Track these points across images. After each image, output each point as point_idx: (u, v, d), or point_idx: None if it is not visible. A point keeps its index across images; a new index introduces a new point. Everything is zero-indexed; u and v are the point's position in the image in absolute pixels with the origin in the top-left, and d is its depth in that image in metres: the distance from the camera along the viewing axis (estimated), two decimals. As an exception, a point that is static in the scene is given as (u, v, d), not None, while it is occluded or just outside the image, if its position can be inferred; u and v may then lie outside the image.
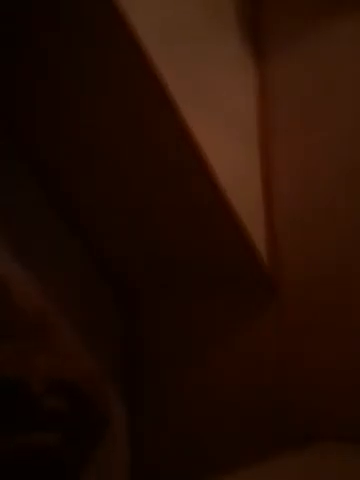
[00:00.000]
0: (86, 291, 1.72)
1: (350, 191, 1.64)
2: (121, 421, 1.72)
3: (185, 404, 1.71)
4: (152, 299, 1.78)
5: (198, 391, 1.69)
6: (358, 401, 1.54)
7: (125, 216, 1.67)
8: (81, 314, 1.66)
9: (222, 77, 1.64)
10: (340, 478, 1.25)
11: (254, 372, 1.65)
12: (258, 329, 1.66)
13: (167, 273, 1.73)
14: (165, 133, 1.48)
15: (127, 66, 1.39)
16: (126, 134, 1.52)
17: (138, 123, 1.49)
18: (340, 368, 1.58)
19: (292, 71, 1.73)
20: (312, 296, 1.64)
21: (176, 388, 1.72)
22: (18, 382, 0.99)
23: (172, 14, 1.48)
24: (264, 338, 1.65)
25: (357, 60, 1.69)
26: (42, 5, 1.33)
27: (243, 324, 1.68)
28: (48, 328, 1.12)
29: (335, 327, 1.60)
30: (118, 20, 1.30)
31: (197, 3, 1.57)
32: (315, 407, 1.59)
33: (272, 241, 1.68)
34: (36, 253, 1.58)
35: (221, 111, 1.60)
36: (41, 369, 1.01)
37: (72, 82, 1.45)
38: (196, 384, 1.70)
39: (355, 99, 1.68)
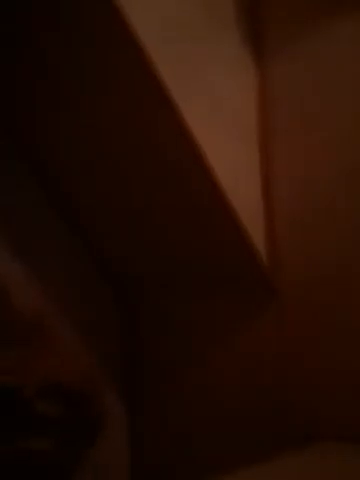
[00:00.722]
0: (86, 291, 1.72)
1: (350, 191, 1.64)
2: (121, 421, 1.72)
3: (185, 404, 1.71)
4: (152, 299, 1.78)
5: (198, 391, 1.69)
6: (358, 401, 1.54)
7: (125, 216, 1.67)
8: (81, 314, 1.66)
9: (222, 77, 1.64)
10: (340, 478, 1.25)
11: (254, 372, 1.65)
12: (258, 329, 1.66)
13: (167, 273, 1.73)
14: (165, 133, 1.48)
15: (127, 66, 1.39)
16: (126, 134, 1.52)
17: (138, 123, 1.49)
18: (340, 368, 1.58)
19: (292, 71, 1.73)
20: (312, 296, 1.64)
21: (176, 388, 1.72)
22: (14, 387, 0.99)
23: (172, 14, 1.48)
24: (264, 338, 1.65)
25: (357, 60, 1.68)
26: (42, 5, 1.33)
27: (243, 324, 1.68)
28: (46, 330, 1.12)
29: (335, 327, 1.60)
30: (118, 20, 1.30)
31: (197, 3, 1.57)
32: (315, 407, 1.59)
33: (272, 241, 1.68)
34: (36, 253, 1.58)
35: (221, 111, 1.60)
36: (38, 374, 1.02)
37: (72, 82, 1.45)
38: (196, 384, 1.70)
39: (355, 99, 1.67)
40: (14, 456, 0.99)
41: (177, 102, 1.42)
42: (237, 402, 1.65)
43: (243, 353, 1.67)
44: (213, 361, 1.69)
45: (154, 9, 1.41)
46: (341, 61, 1.69)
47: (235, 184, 1.59)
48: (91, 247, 1.73)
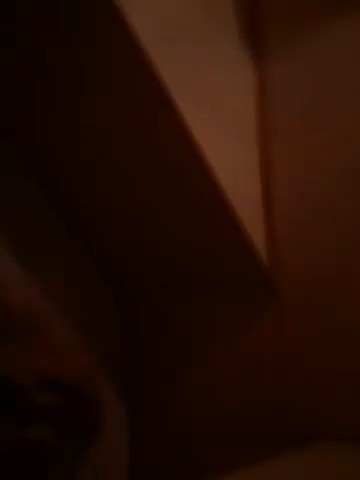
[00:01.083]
0: (86, 291, 1.72)
1: (350, 191, 1.64)
2: (121, 421, 1.72)
3: (185, 404, 1.71)
4: (152, 299, 1.78)
5: (198, 391, 1.69)
6: (358, 401, 1.54)
7: (125, 216, 1.67)
8: (81, 314, 1.66)
9: (222, 77, 1.64)
10: (340, 478, 1.25)
11: (254, 372, 1.64)
12: (258, 329, 1.66)
13: (167, 273, 1.73)
14: (165, 133, 1.48)
15: (127, 66, 1.39)
16: (126, 134, 1.52)
17: (138, 123, 1.49)
18: (340, 368, 1.58)
19: (292, 71, 1.73)
20: (312, 296, 1.64)
21: (176, 388, 1.72)
22: (9, 380, 1.00)
23: (172, 14, 1.48)
24: (264, 338, 1.65)
25: (357, 60, 1.69)
26: (42, 5, 1.33)
27: (243, 324, 1.68)
28: (45, 331, 1.12)
29: (335, 327, 1.60)
30: (118, 20, 1.30)
31: (197, 3, 1.57)
32: (315, 407, 1.59)
33: (272, 241, 1.68)
34: (36, 253, 1.58)
35: (221, 111, 1.60)
36: (37, 368, 1.02)
37: (72, 82, 1.45)
38: (196, 384, 1.70)
39: (355, 99, 1.68)
40: (13, 446, 1.00)
41: (177, 102, 1.42)
42: (237, 402, 1.65)
43: (243, 353, 1.67)
44: (213, 361, 1.69)
45: (154, 9, 1.41)
46: (341, 61, 1.69)
47: (235, 184, 1.59)
48: (91, 247, 1.72)
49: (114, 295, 1.79)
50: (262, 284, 1.67)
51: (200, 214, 1.61)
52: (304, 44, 1.72)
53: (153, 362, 1.76)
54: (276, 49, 1.76)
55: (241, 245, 1.62)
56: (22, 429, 1.00)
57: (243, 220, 1.59)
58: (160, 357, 1.75)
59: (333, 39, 1.70)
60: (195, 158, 1.50)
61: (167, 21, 1.46)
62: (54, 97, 1.48)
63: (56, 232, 1.66)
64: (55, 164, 1.60)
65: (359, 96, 1.67)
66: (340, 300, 1.61)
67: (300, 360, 1.61)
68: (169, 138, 1.49)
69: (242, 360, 1.66)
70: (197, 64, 1.55)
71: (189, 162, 1.51)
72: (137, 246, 1.72)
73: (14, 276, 1.46)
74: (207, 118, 1.54)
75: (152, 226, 1.67)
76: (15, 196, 1.55)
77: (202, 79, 1.56)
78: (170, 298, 1.75)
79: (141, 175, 1.58)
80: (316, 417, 1.59)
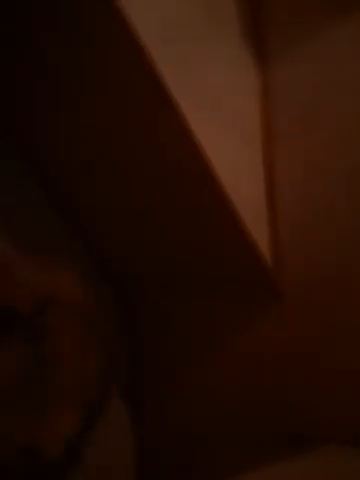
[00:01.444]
0: (86, 291, 1.72)
1: (350, 192, 1.64)
2: (121, 421, 1.72)
3: (185, 404, 1.71)
4: (152, 299, 1.78)
5: (198, 391, 1.69)
6: (358, 401, 1.54)
7: (125, 216, 1.67)
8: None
9: (223, 78, 1.64)
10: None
11: (254, 372, 1.65)
12: (258, 329, 1.66)
13: (167, 273, 1.73)
14: (165, 133, 1.48)
15: (127, 66, 1.39)
16: (126, 134, 1.52)
17: (138, 123, 1.49)
18: (340, 368, 1.58)
19: (293, 73, 1.73)
20: (312, 296, 1.64)
21: (176, 388, 1.72)
22: (6, 309, 1.01)
23: (172, 14, 1.48)
24: (264, 338, 1.65)
25: (357, 61, 1.69)
26: (42, 5, 1.33)
27: (243, 324, 1.68)
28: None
29: (335, 327, 1.60)
30: (118, 20, 1.30)
31: (198, 3, 1.57)
32: (315, 407, 1.59)
33: (274, 241, 1.68)
34: (36, 253, 1.58)
35: (222, 111, 1.60)
36: (27, 295, 1.04)
37: (72, 82, 1.45)
38: (196, 384, 1.70)
39: (355, 100, 1.68)
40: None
41: (177, 102, 1.42)
42: (237, 402, 1.65)
43: (243, 353, 1.67)
44: (213, 361, 1.69)
45: (154, 9, 1.41)
46: (341, 62, 1.70)
47: (236, 184, 1.59)
48: (91, 247, 1.73)
49: (114, 295, 1.79)
50: (265, 285, 1.67)
51: (200, 214, 1.61)
52: (305, 46, 1.73)
53: (153, 362, 1.76)
54: (278, 52, 1.76)
55: (244, 246, 1.62)
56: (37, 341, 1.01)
57: (245, 220, 1.59)
58: (160, 357, 1.76)
59: (333, 40, 1.70)
60: (195, 158, 1.50)
61: (167, 21, 1.46)
62: (54, 97, 1.48)
63: (56, 232, 1.66)
64: (55, 164, 1.60)
65: (359, 97, 1.67)
66: (340, 300, 1.61)
67: (300, 360, 1.61)
68: (169, 138, 1.48)
69: (242, 360, 1.66)
70: (198, 64, 1.55)
71: (189, 162, 1.51)
72: (137, 246, 1.72)
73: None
74: (208, 118, 1.54)
75: (152, 226, 1.67)
76: (15, 196, 1.55)
77: (202, 79, 1.56)
78: (170, 298, 1.75)
79: (141, 175, 1.58)
80: (316, 417, 1.59)
